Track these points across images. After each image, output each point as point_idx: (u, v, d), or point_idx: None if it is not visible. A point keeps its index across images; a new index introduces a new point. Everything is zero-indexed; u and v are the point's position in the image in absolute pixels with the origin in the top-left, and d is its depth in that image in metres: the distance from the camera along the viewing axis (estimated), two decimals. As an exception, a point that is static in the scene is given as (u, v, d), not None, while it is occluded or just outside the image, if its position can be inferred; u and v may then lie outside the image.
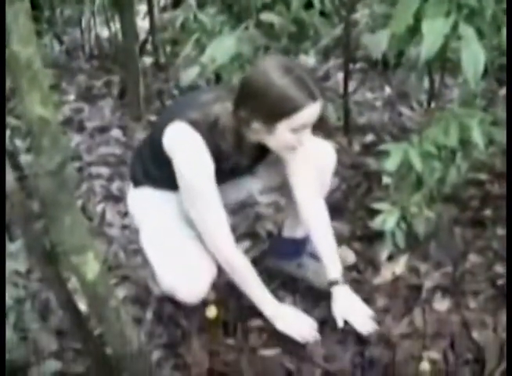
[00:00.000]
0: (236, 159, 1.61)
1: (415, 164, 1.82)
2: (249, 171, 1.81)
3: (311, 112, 1.45)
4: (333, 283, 1.72)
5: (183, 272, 1.60)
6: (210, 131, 1.53)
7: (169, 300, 1.81)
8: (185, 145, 1.54)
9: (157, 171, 1.69)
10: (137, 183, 1.79)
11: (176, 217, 1.72)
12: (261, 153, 1.68)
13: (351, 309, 1.70)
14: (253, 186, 1.86)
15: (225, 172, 1.63)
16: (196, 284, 1.62)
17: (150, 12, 3.84)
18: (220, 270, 1.66)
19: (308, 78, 1.44)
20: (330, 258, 1.74)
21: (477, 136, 1.81)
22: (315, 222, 1.75)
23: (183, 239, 1.67)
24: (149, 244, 1.69)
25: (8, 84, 1.05)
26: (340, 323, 1.68)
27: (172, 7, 3.91)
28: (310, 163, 1.72)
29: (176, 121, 1.54)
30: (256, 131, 1.51)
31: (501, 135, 1.92)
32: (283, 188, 1.81)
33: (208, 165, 1.55)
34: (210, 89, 1.84)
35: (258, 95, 1.44)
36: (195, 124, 1.52)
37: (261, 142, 1.57)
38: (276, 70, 1.44)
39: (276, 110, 1.44)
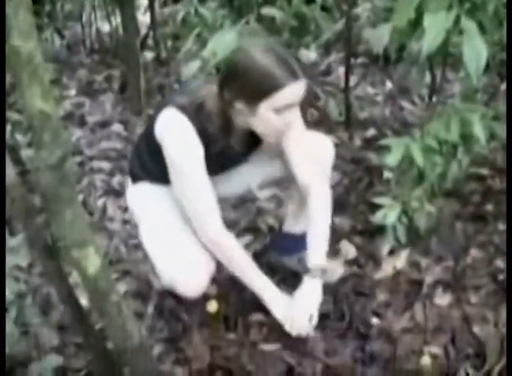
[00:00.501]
0: (225, 142, 1.61)
1: (416, 159, 1.82)
2: (244, 159, 1.80)
3: (293, 91, 1.45)
4: (306, 271, 1.69)
5: (182, 267, 1.60)
6: (197, 114, 1.53)
7: (170, 294, 1.81)
8: (173, 129, 1.54)
9: (154, 164, 1.69)
10: (135, 178, 1.79)
11: (175, 211, 1.71)
12: (254, 139, 1.68)
13: (300, 304, 1.65)
14: (251, 181, 1.86)
15: (219, 160, 1.63)
16: (196, 278, 1.62)
17: (151, 6, 3.84)
18: (220, 264, 1.66)
19: (291, 59, 1.46)
20: (315, 247, 1.69)
21: (478, 131, 1.81)
22: (316, 208, 1.70)
23: (182, 233, 1.66)
24: (148, 239, 1.69)
25: (8, 78, 1.05)
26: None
27: (173, 1, 3.91)
28: (308, 157, 1.71)
29: (166, 108, 1.55)
30: (240, 112, 1.51)
31: (502, 130, 1.92)
32: (282, 183, 1.81)
33: (197, 148, 1.55)
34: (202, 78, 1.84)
35: (240, 75, 1.46)
36: (182, 108, 1.53)
37: (250, 128, 1.57)
38: (259, 50, 1.45)
39: (258, 88, 1.44)
